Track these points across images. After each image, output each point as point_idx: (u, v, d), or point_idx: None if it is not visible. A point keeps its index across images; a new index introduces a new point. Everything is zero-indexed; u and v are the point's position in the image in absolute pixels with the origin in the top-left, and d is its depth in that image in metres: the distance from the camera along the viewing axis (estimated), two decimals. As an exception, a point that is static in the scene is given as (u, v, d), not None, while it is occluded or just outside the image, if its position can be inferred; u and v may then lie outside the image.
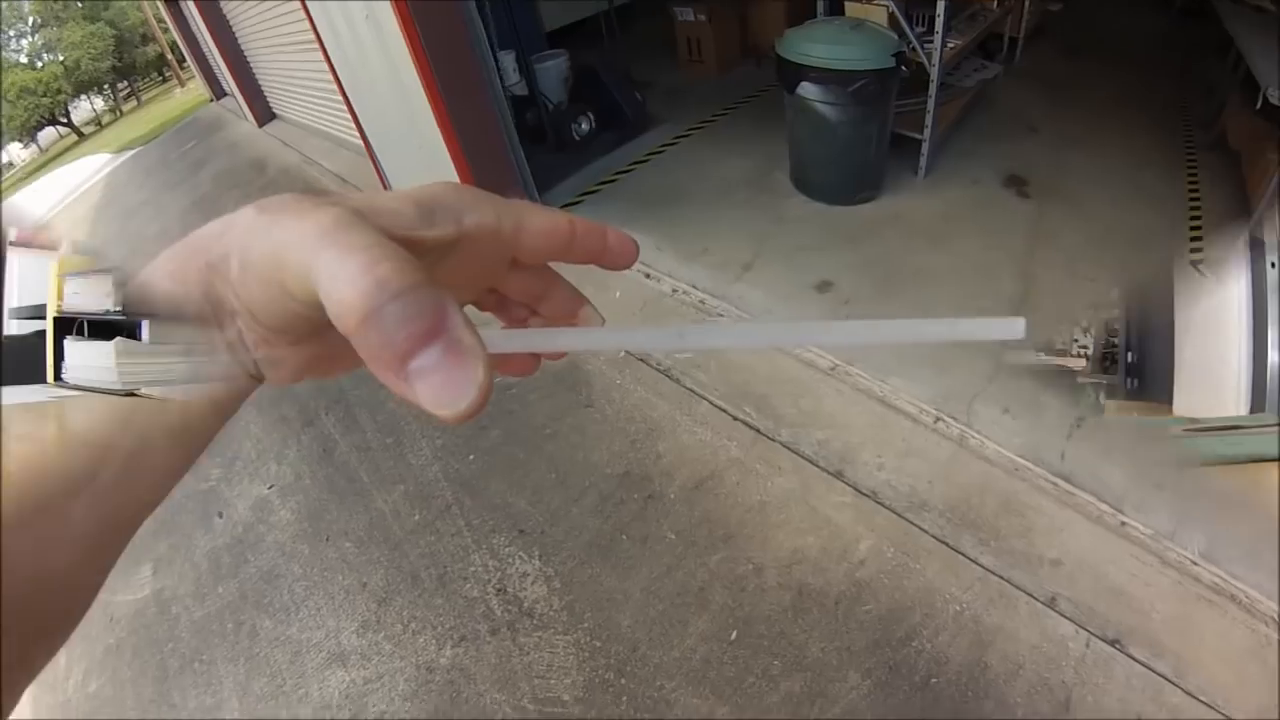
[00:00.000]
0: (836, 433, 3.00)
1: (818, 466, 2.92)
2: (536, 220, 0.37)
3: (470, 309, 0.41)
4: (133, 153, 14.08)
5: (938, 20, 4.08)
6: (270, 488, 3.60)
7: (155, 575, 3.37)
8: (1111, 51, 6.77)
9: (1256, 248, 3.87)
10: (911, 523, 2.69)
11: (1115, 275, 3.72)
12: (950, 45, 4.49)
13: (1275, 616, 2.37)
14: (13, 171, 29.33)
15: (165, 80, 31.29)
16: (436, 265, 0.33)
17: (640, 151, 5.47)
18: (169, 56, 26.94)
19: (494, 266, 0.39)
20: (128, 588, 3.35)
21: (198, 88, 16.21)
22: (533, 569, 2.82)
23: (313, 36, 5.23)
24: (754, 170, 4.97)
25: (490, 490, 3.16)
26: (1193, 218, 4.32)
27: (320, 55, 5.34)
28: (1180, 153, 5.04)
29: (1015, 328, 0.30)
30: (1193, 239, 4.13)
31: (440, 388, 0.25)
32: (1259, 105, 3.73)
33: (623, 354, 3.50)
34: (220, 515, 3.55)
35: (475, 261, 0.36)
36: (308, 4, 4.93)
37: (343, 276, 0.24)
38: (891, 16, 4.34)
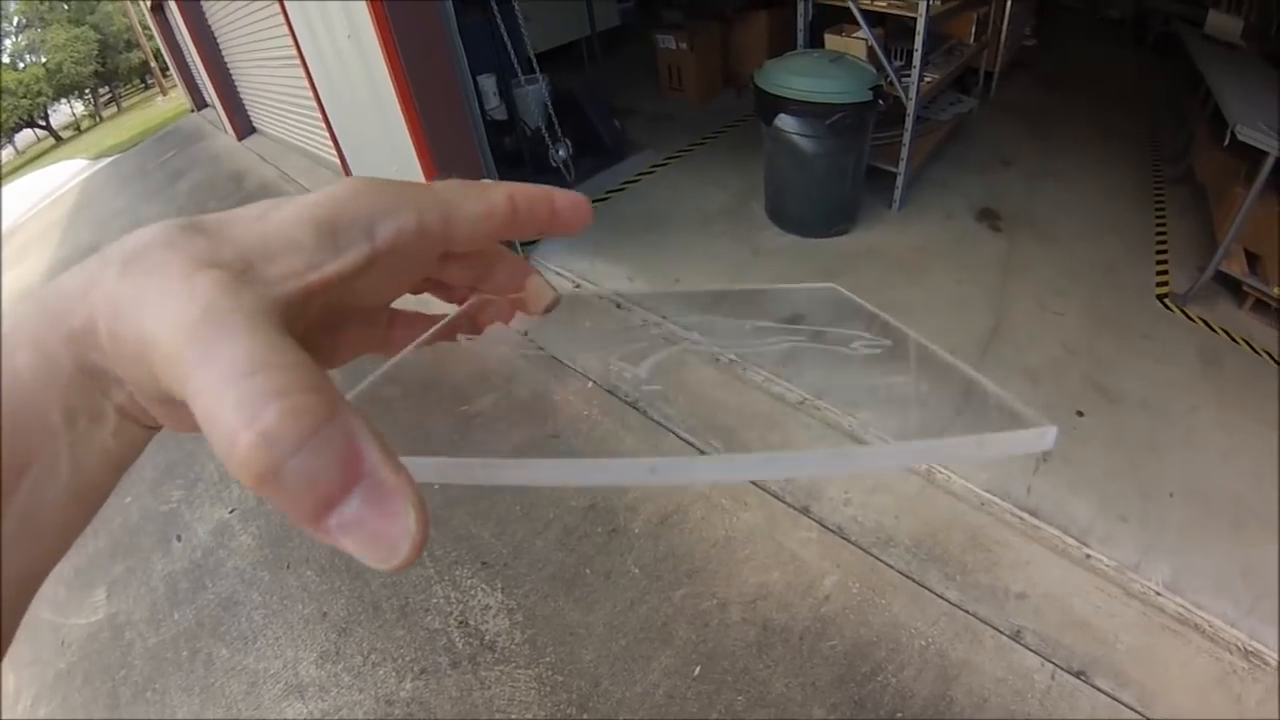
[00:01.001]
0: (802, 468, 3.01)
1: (784, 502, 2.92)
2: (468, 208, 0.33)
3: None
4: (111, 159, 13.87)
5: (915, 55, 4.13)
6: (232, 511, 3.52)
7: (109, 599, 3.29)
8: (1085, 85, 6.90)
9: (1222, 282, 3.95)
10: (877, 558, 2.69)
11: (1084, 309, 3.77)
12: (927, 79, 4.54)
13: (1239, 645, 2.40)
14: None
15: (147, 88, 31.07)
16: (350, 285, 0.30)
17: (618, 179, 5.46)
18: (152, 64, 26.77)
19: (423, 264, 0.35)
20: (80, 611, 3.27)
21: (179, 97, 16.01)
22: (495, 602, 2.78)
23: (294, 52, 5.22)
24: (731, 200, 4.97)
25: (454, 521, 3.12)
26: (1159, 251, 4.38)
27: (301, 71, 5.34)
28: (1149, 186, 5.14)
29: (1045, 439, 0.27)
30: (1159, 272, 4.19)
31: (367, 543, 0.22)
32: (1227, 142, 3.79)
33: (590, 385, 3.48)
34: (179, 538, 3.46)
35: (398, 268, 0.32)
36: (291, 22, 4.92)
37: (222, 422, 0.20)
38: (870, 50, 4.38)
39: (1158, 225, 4.65)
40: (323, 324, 0.32)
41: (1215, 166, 4.55)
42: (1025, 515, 2.75)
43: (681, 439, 3.17)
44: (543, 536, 2.98)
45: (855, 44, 4.52)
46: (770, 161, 4.42)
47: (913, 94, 4.24)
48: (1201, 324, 3.82)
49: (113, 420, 0.27)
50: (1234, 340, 3.72)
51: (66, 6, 29.33)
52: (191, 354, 0.21)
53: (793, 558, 2.74)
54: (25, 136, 30.68)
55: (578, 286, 3.98)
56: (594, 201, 4.21)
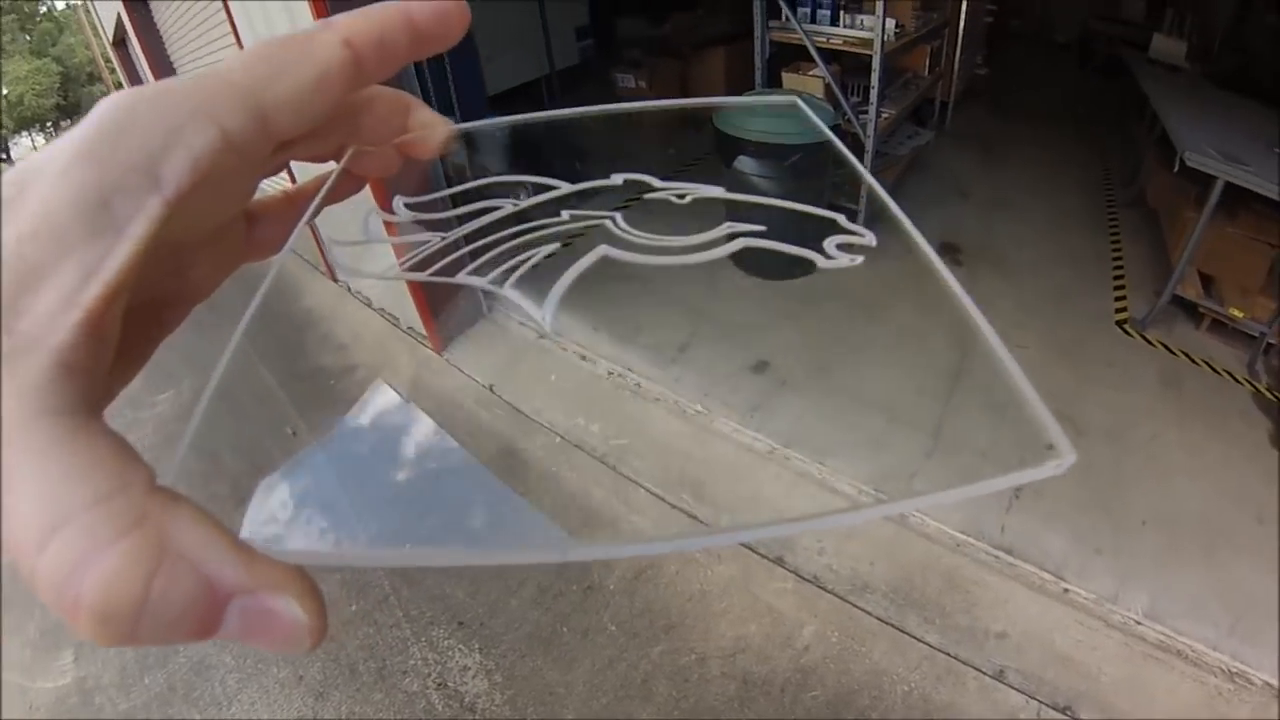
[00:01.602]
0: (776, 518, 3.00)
1: (758, 554, 2.89)
2: (287, 84, 0.26)
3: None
4: None
5: (872, 91, 4.19)
6: None
7: (77, 662, 3.14)
8: (1036, 111, 7.06)
9: (1179, 304, 4.03)
10: (855, 605, 2.68)
11: (1045, 340, 3.82)
12: (885, 115, 4.60)
13: (1223, 667, 2.42)
14: None
15: None
16: (159, 254, 0.23)
17: (580, 222, 5.41)
18: None
19: (251, 173, 0.28)
20: (47, 674, 3.12)
21: None
22: (473, 662, 2.74)
23: None
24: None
25: (428, 581, 3.07)
26: (1116, 277, 4.46)
27: None
28: (1102, 211, 5.26)
29: (1064, 466, 0.27)
30: (1117, 298, 4.26)
31: (267, 643, 0.20)
32: (1176, 168, 3.87)
33: (558, 440, 3.46)
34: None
35: (219, 193, 0.26)
36: None
37: (48, 597, 0.18)
38: (827, 88, 4.43)
39: (1113, 251, 4.74)
40: (153, 300, 0.29)
41: (1166, 190, 4.64)
42: (1000, 554, 2.76)
43: (651, 493, 3.15)
44: (517, 595, 2.93)
45: (812, 82, 4.57)
46: (730, 204, 4.40)
47: (871, 130, 4.29)
48: (1161, 347, 3.89)
49: None
50: (1194, 361, 3.80)
51: (28, 38, 29.04)
52: None
53: (769, 609, 2.72)
54: None
55: (541, 338, 3.96)
56: (556, 246, 4.24)
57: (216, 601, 0.19)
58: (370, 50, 0.28)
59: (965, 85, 6.91)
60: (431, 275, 0.38)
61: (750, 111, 3.97)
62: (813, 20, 4.46)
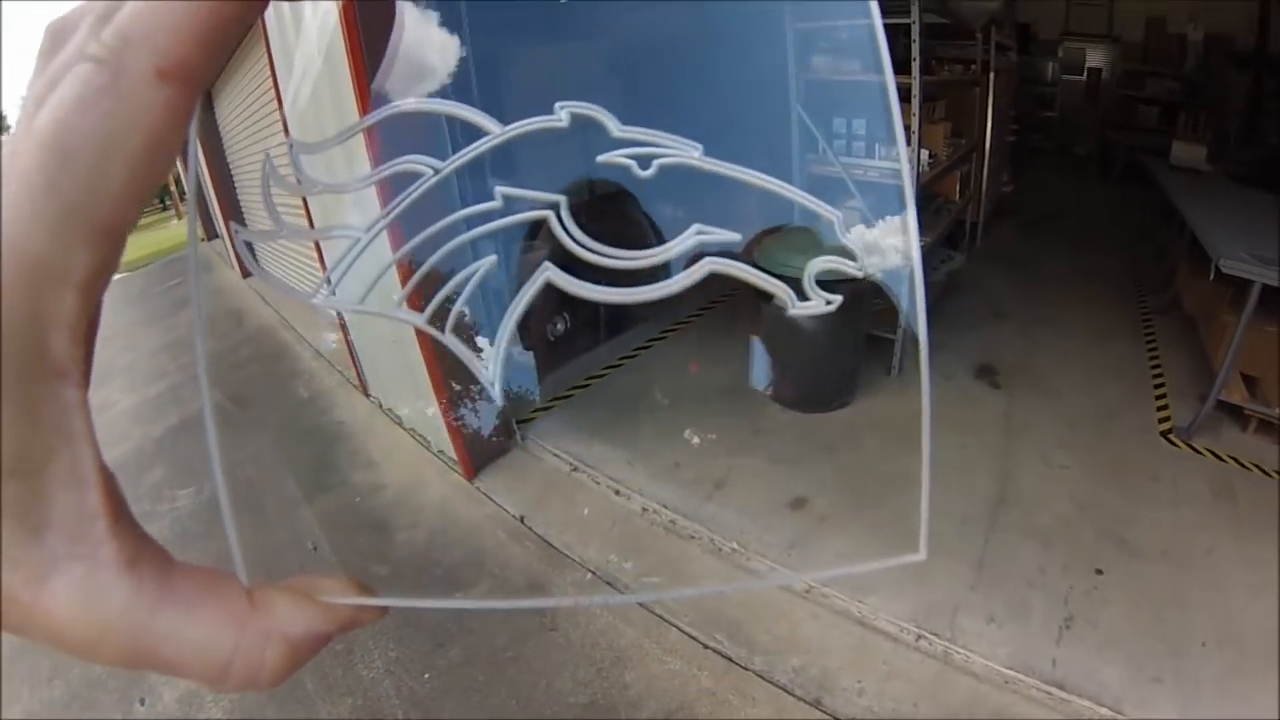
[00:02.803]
0: (813, 658, 2.92)
1: (794, 695, 2.79)
2: (121, 187, 0.22)
3: None
4: (119, 276, 14.09)
5: (909, 221, 4.29)
6: None
7: None
8: (1062, 225, 7.15)
9: (1225, 411, 3.95)
10: (899, 751, 2.59)
11: (1089, 458, 3.77)
12: (921, 243, 4.70)
13: None
14: None
15: (165, 208, 32.22)
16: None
17: (615, 354, 5.41)
18: (172, 188, 27.83)
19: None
20: None
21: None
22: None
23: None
24: (729, 376, 4.94)
25: (445, 713, 2.97)
26: (1157, 386, 4.41)
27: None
28: (1138, 321, 5.23)
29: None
30: (1160, 408, 4.20)
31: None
32: (1213, 276, 3.88)
33: (589, 576, 3.46)
34: (142, 702, 3.22)
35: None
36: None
37: (234, 689, 0.27)
38: (863, 218, 4.54)
39: (1151, 360, 4.70)
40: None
41: (1201, 295, 4.62)
42: (1052, 689, 2.64)
43: (685, 633, 3.12)
44: None
45: (849, 214, 4.70)
46: (770, 340, 4.48)
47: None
48: (1209, 455, 3.79)
49: None
50: (1244, 466, 3.69)
51: None
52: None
53: None
54: None
55: (575, 470, 4.01)
56: (590, 378, 4.22)
57: (321, 641, 0.29)
58: (199, 57, 0.22)
59: (993, 205, 7.04)
60: (356, 308, 0.34)
61: (790, 247, 4.08)
62: (847, 153, 4.61)
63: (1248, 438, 3.90)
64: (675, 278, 0.31)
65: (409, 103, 0.31)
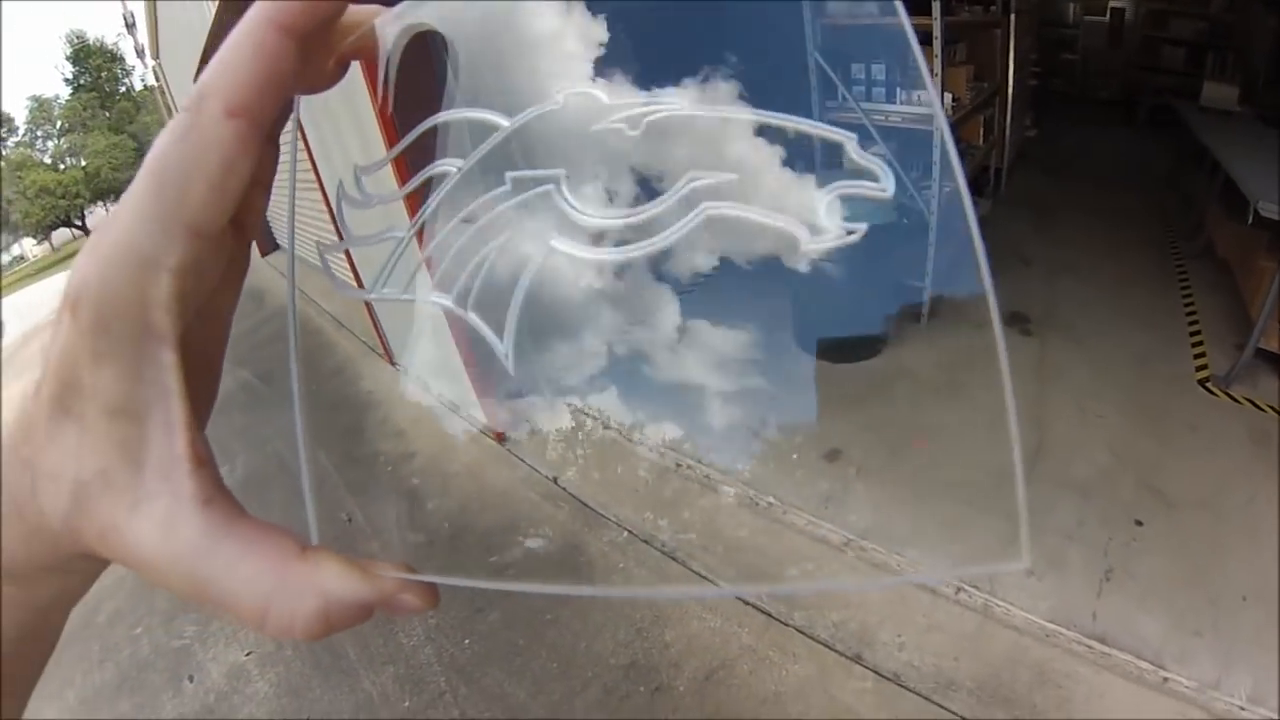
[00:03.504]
0: (853, 613, 2.89)
1: (835, 651, 2.78)
2: (204, 195, 0.27)
3: None
4: None
5: (934, 167, 4.20)
6: (248, 654, 3.37)
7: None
8: (1088, 170, 7.00)
9: (1264, 359, 3.86)
10: (940, 705, 2.53)
11: (1125, 407, 3.70)
12: (946, 188, 4.61)
13: None
14: (25, 265, 31.43)
15: None
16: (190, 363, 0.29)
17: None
18: None
19: (217, 254, 0.30)
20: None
21: None
22: (535, 771, 2.67)
23: (314, 178, 5.31)
24: (757, 329, 4.90)
25: (487, 678, 2.98)
26: (1193, 333, 4.32)
27: (320, 196, 5.28)
28: (1170, 265, 5.12)
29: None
30: (1196, 354, 4.12)
31: (399, 616, 0.35)
32: (1250, 220, 3.78)
33: (625, 535, 3.44)
34: (191, 679, 3.31)
35: (203, 288, 0.30)
36: (311, 150, 5.11)
37: (272, 632, 0.28)
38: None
39: (1186, 307, 4.60)
40: (203, 337, 0.33)
41: (1236, 240, 4.51)
42: (1094, 643, 2.62)
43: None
44: (582, 696, 2.84)
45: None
46: (796, 289, 4.43)
47: (934, 206, 4.28)
48: (1248, 404, 3.72)
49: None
50: (1284, 415, 3.61)
51: (108, 114, 31.33)
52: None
53: (848, 711, 2.60)
54: (62, 234, 32.21)
55: (607, 429, 3.98)
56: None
57: (364, 610, 0.29)
58: (259, 99, 0.28)
59: (1017, 150, 6.91)
60: (403, 296, 0.37)
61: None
62: (868, 98, 4.51)
63: (1288, 386, 3.81)
64: (673, 226, 0.30)
65: (436, 118, 0.35)
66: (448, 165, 0.36)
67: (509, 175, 0.34)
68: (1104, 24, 9.80)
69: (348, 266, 5.19)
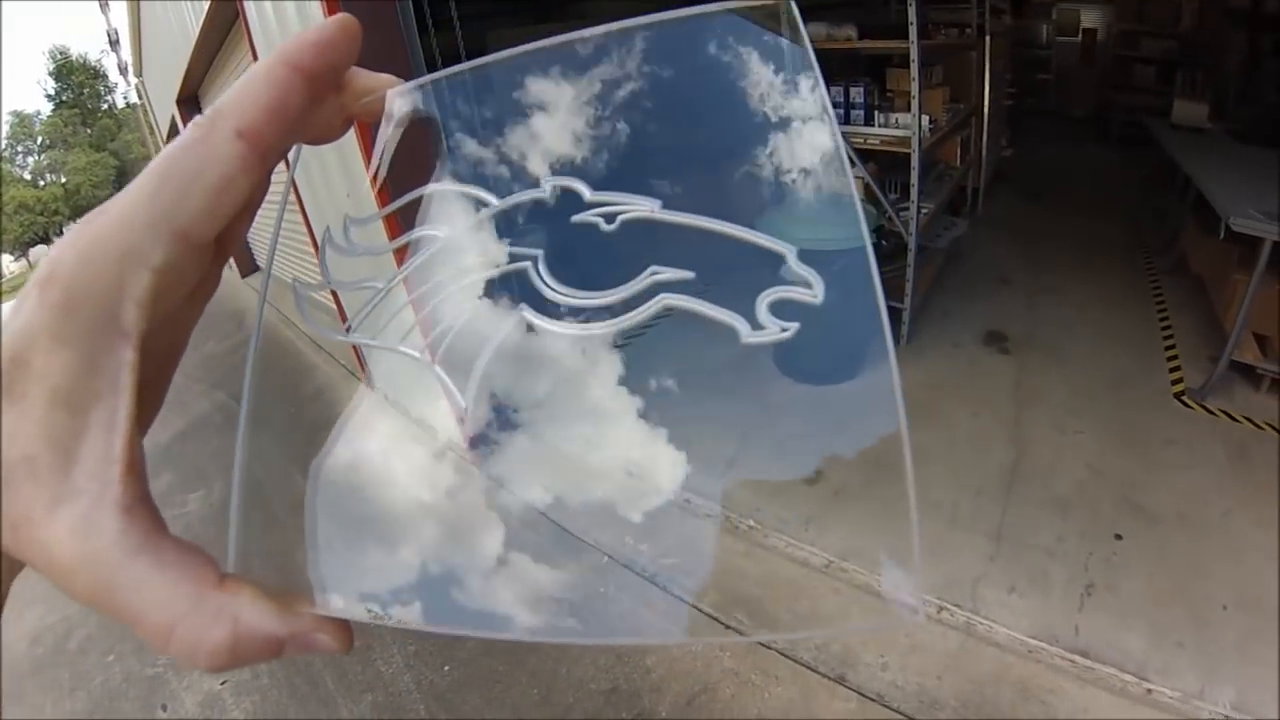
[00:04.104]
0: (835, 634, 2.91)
1: (818, 672, 2.77)
2: (199, 205, 0.29)
3: None
4: None
5: (912, 189, 4.24)
6: (223, 683, 3.27)
7: None
8: (1064, 187, 7.11)
9: (1238, 371, 3.93)
10: (925, 724, 2.57)
11: (1103, 424, 3.74)
12: (924, 210, 4.65)
13: None
14: (1, 281, 30.36)
15: None
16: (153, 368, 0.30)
17: (623, 334, 5.47)
18: None
19: (198, 266, 0.31)
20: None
21: None
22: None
23: (294, 198, 5.22)
24: (737, 354, 4.90)
25: (467, 706, 2.95)
26: (1168, 348, 4.39)
27: (300, 218, 5.26)
28: (1144, 282, 5.20)
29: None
30: (1172, 368, 4.18)
31: (311, 654, 0.31)
32: (1223, 235, 3.85)
33: (605, 559, 3.41)
34: (164, 708, 3.23)
35: (174, 297, 0.30)
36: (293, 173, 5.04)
37: (176, 655, 0.28)
38: (867, 188, 4.50)
39: (1161, 322, 4.67)
40: (155, 365, 0.32)
41: (1208, 255, 4.59)
42: (1076, 657, 2.63)
43: (705, 614, 3.09)
44: None
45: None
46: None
47: (913, 227, 4.31)
48: (1223, 416, 3.77)
49: None
50: (1258, 426, 3.68)
51: (89, 131, 31.19)
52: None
53: None
54: (39, 251, 31.89)
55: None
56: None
57: (275, 645, 0.29)
58: (266, 126, 0.30)
59: (993, 170, 7.00)
60: (375, 342, 0.40)
61: (792, 216, 4.05)
62: (847, 121, 4.55)
63: (1261, 397, 3.88)
64: (631, 312, 0.35)
65: (431, 187, 0.38)
66: (434, 230, 0.39)
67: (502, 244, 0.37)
68: (1077, 44, 9.99)
69: (334, 305, 5.18)
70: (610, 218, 0.36)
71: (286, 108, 0.30)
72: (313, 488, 0.38)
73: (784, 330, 0.32)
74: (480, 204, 0.38)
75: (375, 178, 0.39)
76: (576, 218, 0.36)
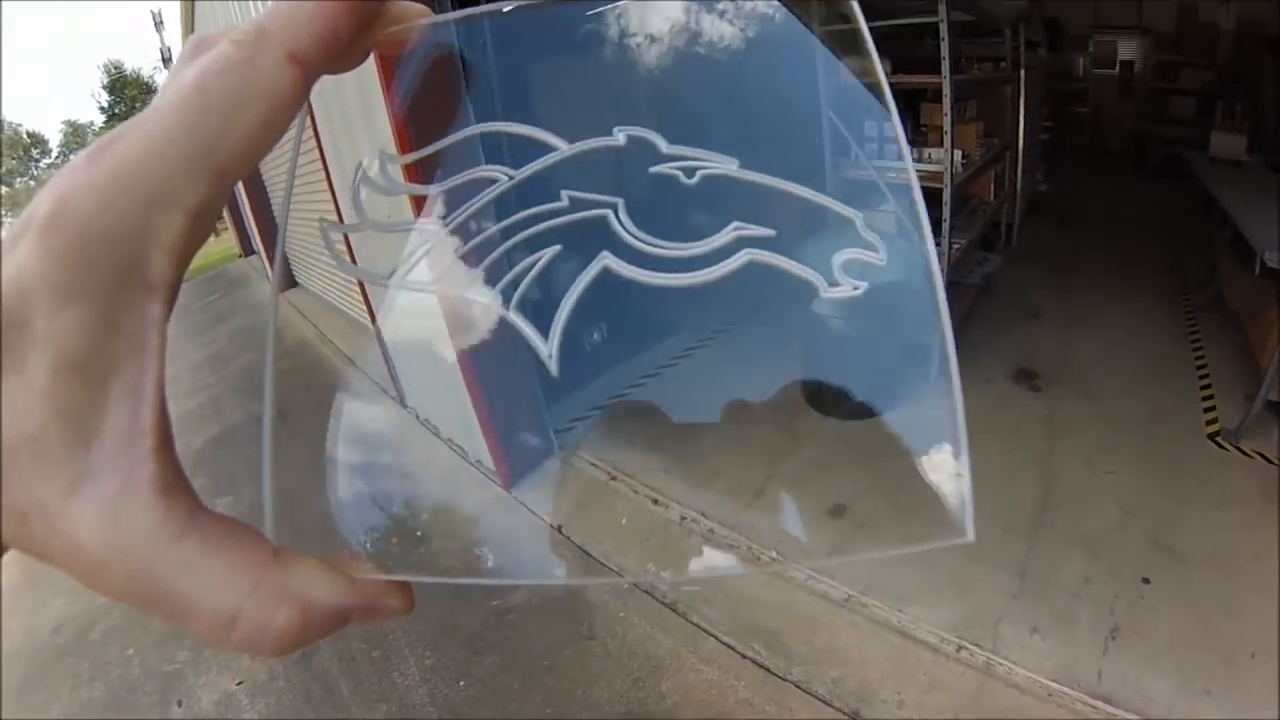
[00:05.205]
0: (852, 669, 2.87)
1: (833, 707, 2.74)
2: (242, 141, 0.25)
3: None
4: None
5: (944, 224, 4.25)
6: (239, 683, 3.32)
7: None
8: (1099, 222, 7.02)
9: (1274, 409, 3.84)
10: (941, 765, 2.53)
11: (1135, 463, 3.68)
12: (956, 245, 4.64)
13: None
14: None
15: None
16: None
17: (653, 363, 5.45)
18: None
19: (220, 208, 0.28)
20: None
21: (229, 240, 16.71)
22: None
23: (335, 212, 5.28)
24: (768, 385, 4.87)
25: None
26: (1203, 387, 4.31)
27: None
28: (1180, 317, 5.11)
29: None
30: (1207, 408, 4.11)
31: (378, 621, 0.30)
32: (1258, 270, 3.79)
33: (626, 585, 3.43)
34: (180, 704, 3.28)
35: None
36: (334, 188, 5.12)
37: (240, 646, 0.25)
38: (898, 223, 4.50)
39: (1196, 359, 4.59)
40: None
41: (1245, 291, 4.50)
42: (1098, 703, 2.57)
43: (722, 643, 3.07)
44: None
45: (882, 216, 4.69)
46: (808, 346, 4.44)
47: (945, 263, 4.33)
48: (1259, 457, 3.69)
49: None
50: (1294, 469, 3.58)
51: None
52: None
53: None
54: None
55: (613, 479, 3.99)
56: (628, 387, 4.19)
57: (341, 616, 0.27)
58: (319, 53, 0.26)
59: (1028, 204, 6.96)
60: (429, 287, 0.38)
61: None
62: (880, 156, 4.57)
63: (1298, 439, 3.78)
64: (718, 265, 0.34)
65: (486, 126, 0.36)
66: (494, 172, 0.37)
67: (566, 193, 0.36)
68: (1114, 77, 9.91)
69: (345, 250, 5.23)
70: (689, 172, 0.35)
71: (338, 32, 0.27)
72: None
73: (855, 288, 0.35)
74: (546, 146, 0.35)
75: (398, 114, 0.38)
76: (655, 168, 0.35)
